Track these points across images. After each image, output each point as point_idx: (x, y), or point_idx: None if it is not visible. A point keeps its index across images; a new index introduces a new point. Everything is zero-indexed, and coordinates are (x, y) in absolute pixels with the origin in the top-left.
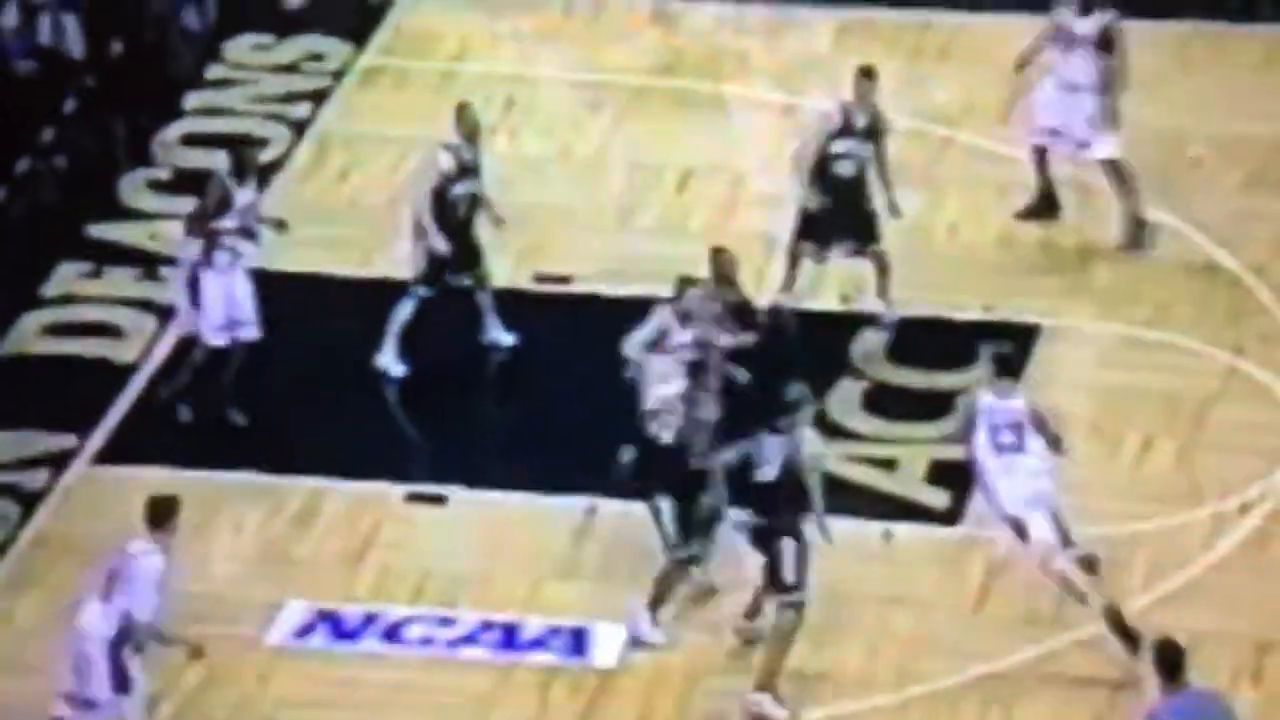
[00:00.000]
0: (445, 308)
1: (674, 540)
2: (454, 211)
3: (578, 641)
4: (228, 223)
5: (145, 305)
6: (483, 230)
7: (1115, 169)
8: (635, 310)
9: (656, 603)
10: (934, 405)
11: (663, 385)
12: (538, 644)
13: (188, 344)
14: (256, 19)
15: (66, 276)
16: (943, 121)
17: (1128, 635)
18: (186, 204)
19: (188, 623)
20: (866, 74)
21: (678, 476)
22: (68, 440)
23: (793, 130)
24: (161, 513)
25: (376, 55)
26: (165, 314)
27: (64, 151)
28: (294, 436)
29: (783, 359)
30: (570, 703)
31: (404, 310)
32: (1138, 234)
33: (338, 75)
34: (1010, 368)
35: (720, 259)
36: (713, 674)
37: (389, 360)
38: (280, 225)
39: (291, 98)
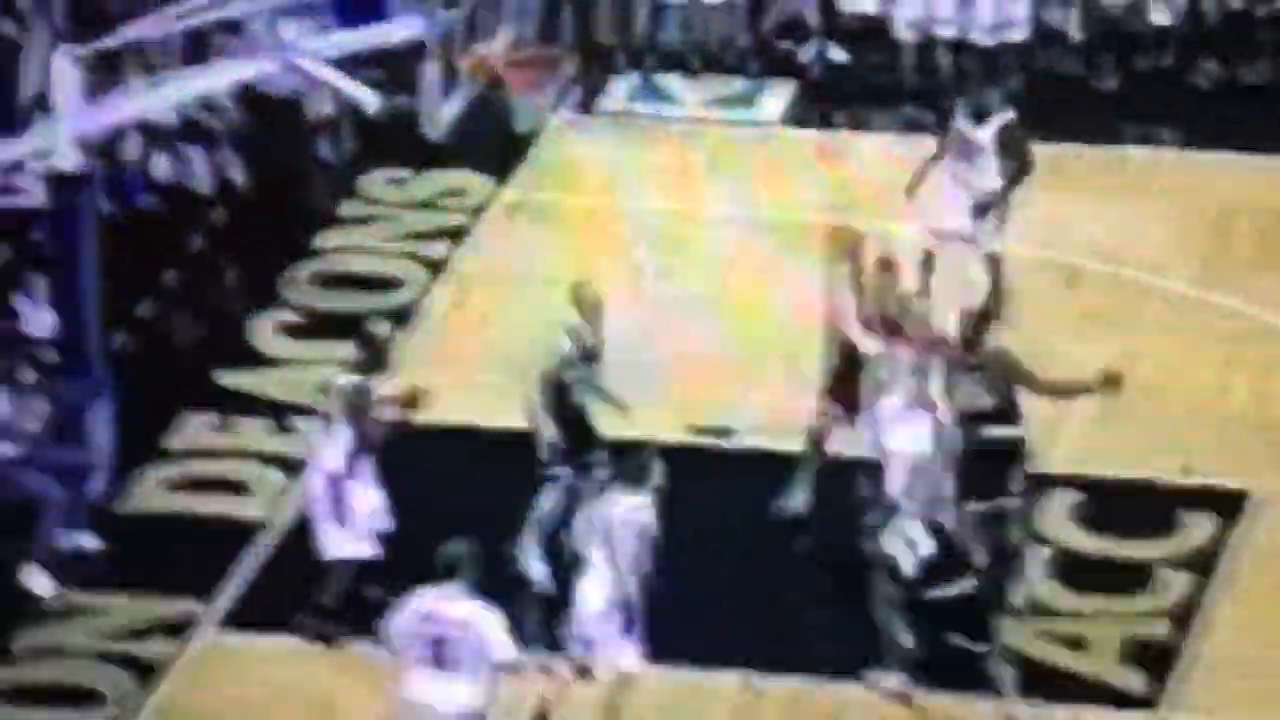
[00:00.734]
0: None
1: None
2: (572, 398)
3: None
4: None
5: (275, 460)
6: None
7: (995, 264)
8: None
9: None
10: (1130, 578)
11: None
12: None
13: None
14: (394, 151)
15: (191, 428)
16: (1145, 268)
17: None
18: (319, 349)
19: None
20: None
21: None
22: (190, 605)
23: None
24: None
25: (520, 190)
26: (294, 468)
27: (189, 293)
28: None
29: None
30: None
31: (545, 501)
32: (979, 325)
33: (478, 211)
34: None
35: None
36: None
37: (530, 561)
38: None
39: (429, 235)
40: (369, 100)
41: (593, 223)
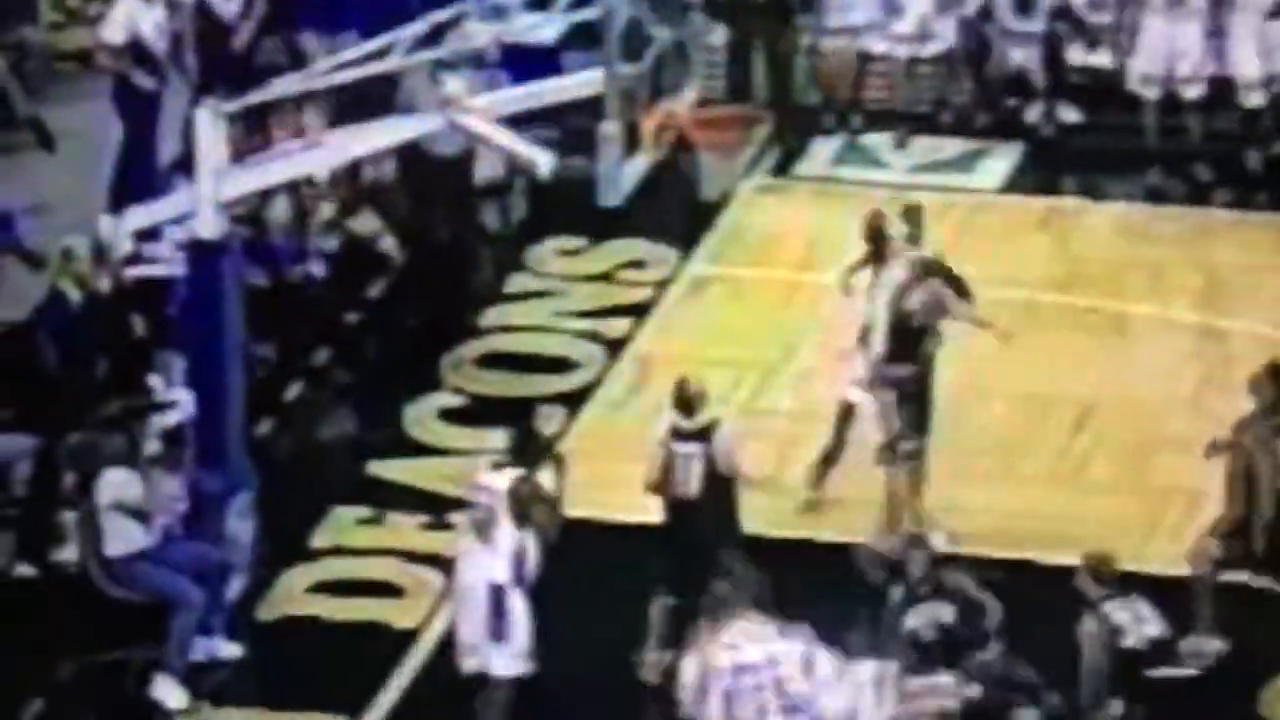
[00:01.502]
0: None
1: None
2: None
3: None
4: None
5: (430, 559)
6: None
7: None
8: (1018, 580)
9: None
10: None
11: None
12: None
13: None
14: (567, 219)
15: (340, 523)
16: None
17: None
18: (482, 437)
19: None
20: None
21: None
22: None
23: (1218, 358)
24: None
25: (708, 262)
26: (452, 568)
27: (341, 375)
28: None
29: None
30: None
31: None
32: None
33: (662, 286)
34: None
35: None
36: None
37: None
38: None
39: (607, 312)
40: (541, 162)
41: (790, 300)
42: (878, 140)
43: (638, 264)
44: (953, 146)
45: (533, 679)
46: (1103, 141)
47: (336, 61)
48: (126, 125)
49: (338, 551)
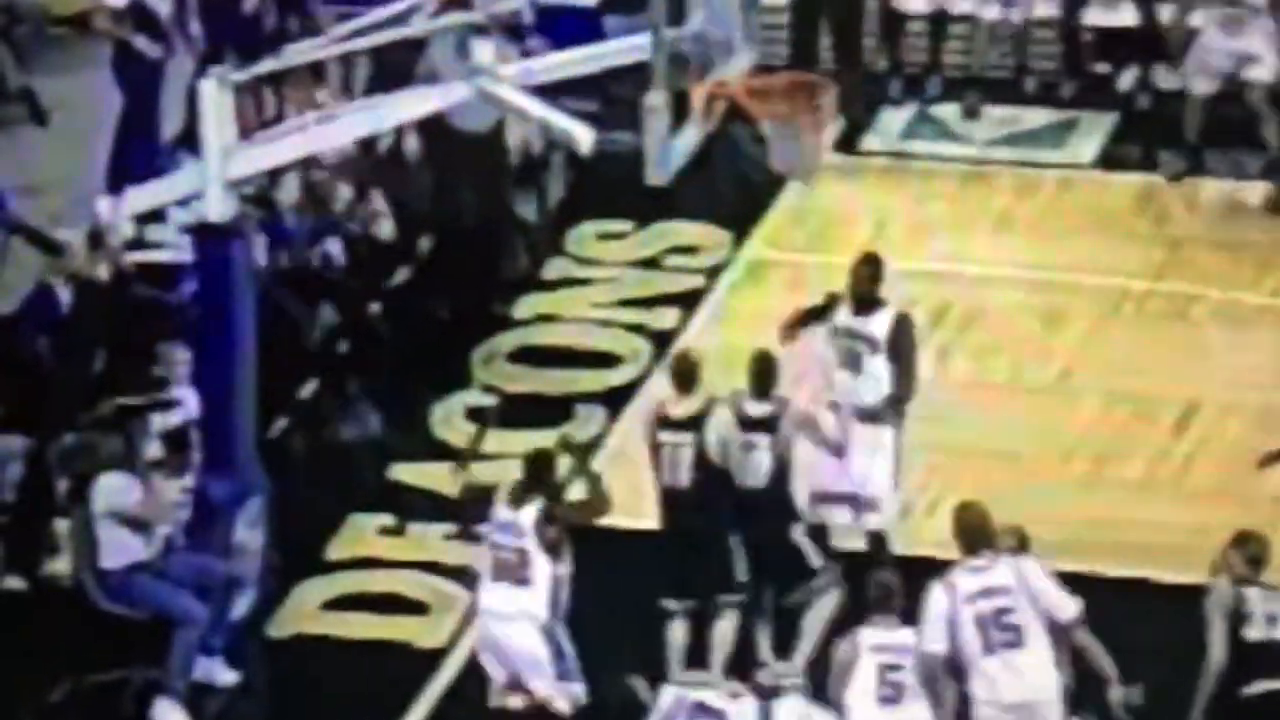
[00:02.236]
0: None
1: None
2: None
3: None
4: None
5: (458, 574)
6: None
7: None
8: (1110, 595)
9: None
10: None
11: None
12: None
13: None
14: (611, 199)
15: (359, 532)
16: None
17: None
18: (516, 440)
19: None
20: None
21: None
22: None
23: None
24: None
25: (766, 246)
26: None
27: (361, 372)
28: None
29: None
30: None
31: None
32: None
33: (715, 272)
34: None
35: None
36: None
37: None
38: None
39: (654, 301)
40: (581, 137)
41: None
42: (954, 111)
43: (687, 249)
44: (1035, 117)
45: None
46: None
47: (354, 27)
48: (127, 97)
49: (356, 564)
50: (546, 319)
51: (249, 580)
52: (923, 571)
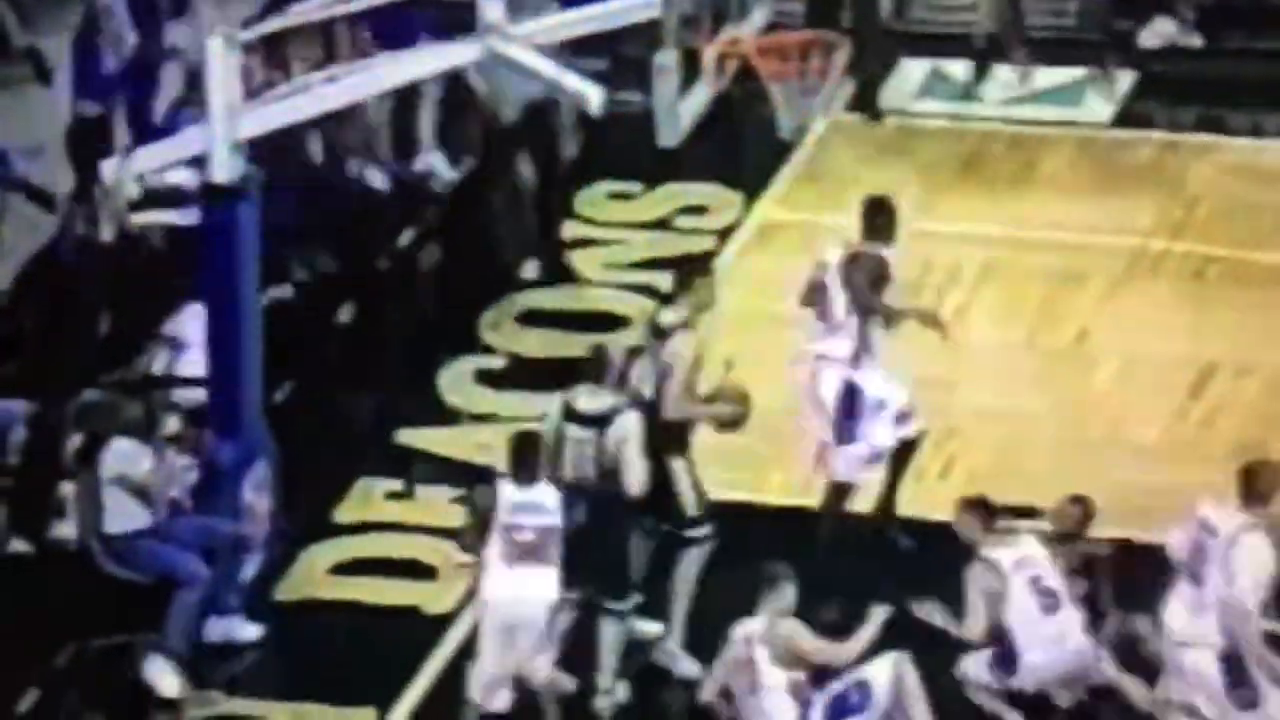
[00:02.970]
0: None
1: None
2: None
3: None
4: None
5: None
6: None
7: None
8: (1132, 563)
9: None
10: None
11: None
12: None
13: None
14: (620, 160)
15: (367, 497)
16: None
17: None
18: (524, 402)
19: None
20: None
21: None
22: (365, 716)
23: None
24: None
25: (776, 207)
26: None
27: (371, 335)
28: None
29: None
30: None
31: None
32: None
33: (725, 234)
34: None
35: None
36: None
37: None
38: None
39: (663, 263)
40: (591, 96)
41: None
42: (969, 69)
43: (698, 209)
44: (1052, 75)
45: None
46: (1225, 69)
47: None
48: (135, 55)
49: (364, 528)
50: (555, 281)
51: (256, 544)
52: (937, 536)
